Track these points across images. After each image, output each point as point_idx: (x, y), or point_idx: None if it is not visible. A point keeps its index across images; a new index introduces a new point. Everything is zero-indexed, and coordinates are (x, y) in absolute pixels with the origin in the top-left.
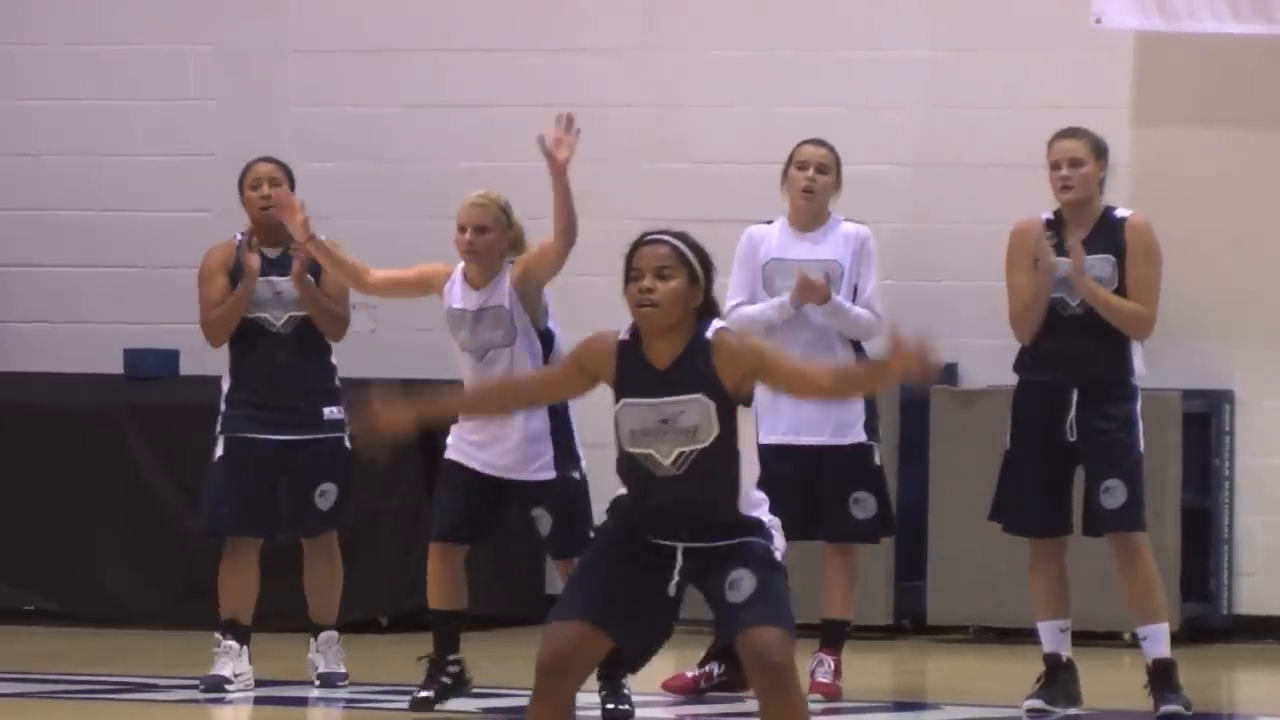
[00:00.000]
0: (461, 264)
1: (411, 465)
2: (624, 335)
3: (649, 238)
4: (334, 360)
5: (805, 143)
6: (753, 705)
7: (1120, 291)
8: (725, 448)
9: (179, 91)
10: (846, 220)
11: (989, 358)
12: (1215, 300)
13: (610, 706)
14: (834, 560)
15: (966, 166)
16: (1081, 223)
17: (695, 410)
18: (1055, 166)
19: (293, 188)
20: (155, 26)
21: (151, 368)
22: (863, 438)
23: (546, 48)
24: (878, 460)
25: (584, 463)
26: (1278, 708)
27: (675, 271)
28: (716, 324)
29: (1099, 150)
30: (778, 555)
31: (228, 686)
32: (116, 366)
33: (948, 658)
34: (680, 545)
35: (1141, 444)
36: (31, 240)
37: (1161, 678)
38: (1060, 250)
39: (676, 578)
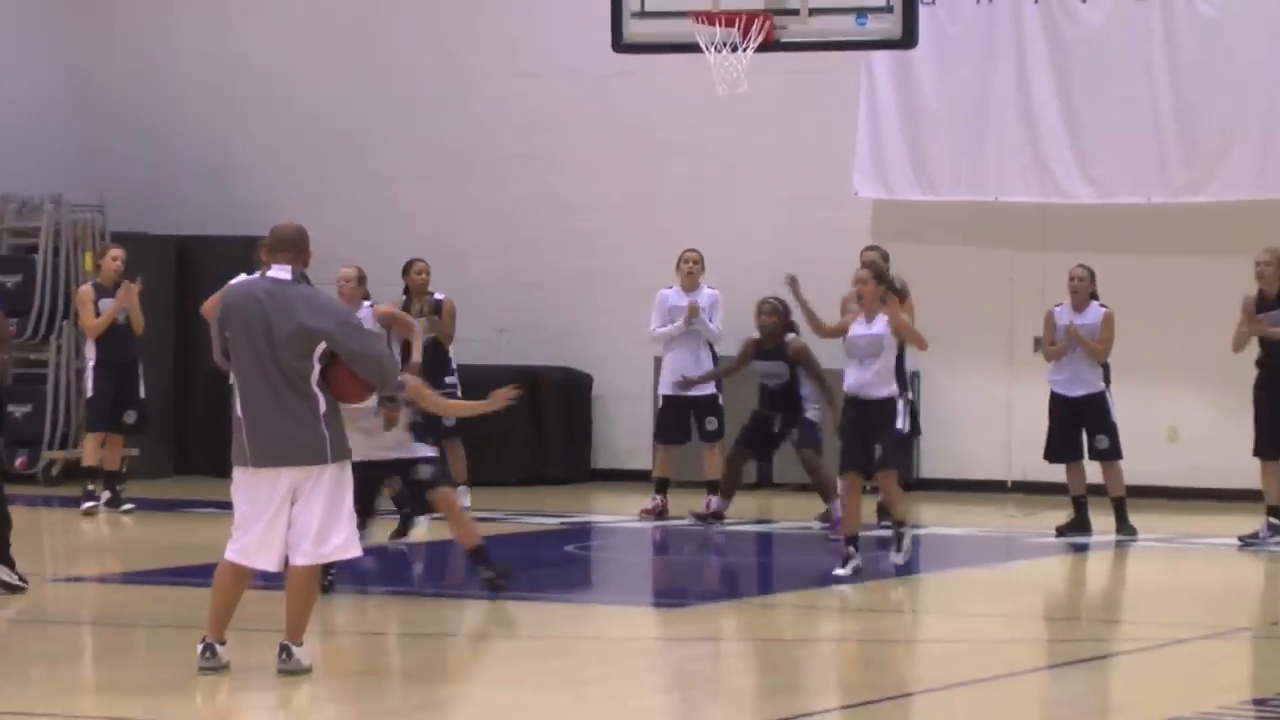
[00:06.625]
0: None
1: (526, 404)
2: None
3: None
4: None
5: (687, 250)
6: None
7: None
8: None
9: None
10: (709, 287)
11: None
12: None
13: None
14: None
15: (791, 265)
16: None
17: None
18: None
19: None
20: None
21: None
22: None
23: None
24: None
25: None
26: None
27: (773, 312)
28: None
29: (885, 257)
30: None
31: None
32: None
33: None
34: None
35: (900, 421)
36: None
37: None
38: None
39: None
